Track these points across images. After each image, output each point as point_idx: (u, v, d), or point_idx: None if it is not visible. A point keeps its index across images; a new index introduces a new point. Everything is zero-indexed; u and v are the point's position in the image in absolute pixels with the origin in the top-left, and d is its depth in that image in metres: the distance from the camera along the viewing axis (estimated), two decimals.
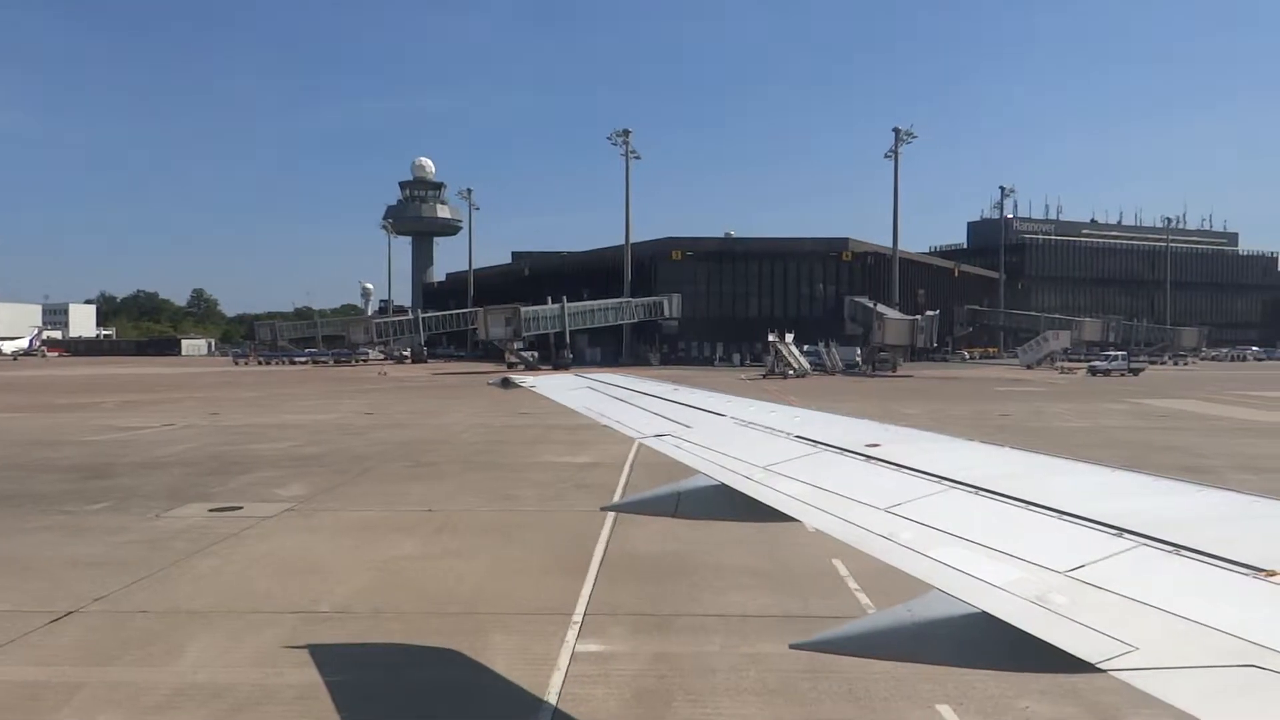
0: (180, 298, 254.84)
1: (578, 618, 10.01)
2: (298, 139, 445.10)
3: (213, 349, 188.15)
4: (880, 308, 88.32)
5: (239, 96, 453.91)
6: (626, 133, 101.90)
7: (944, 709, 7.55)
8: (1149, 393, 53.22)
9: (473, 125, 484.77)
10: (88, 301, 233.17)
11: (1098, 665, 1.95)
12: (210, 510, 16.00)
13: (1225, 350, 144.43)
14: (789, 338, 74.69)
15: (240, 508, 16.20)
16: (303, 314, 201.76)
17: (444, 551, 13.11)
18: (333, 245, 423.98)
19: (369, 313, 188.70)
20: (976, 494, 3.23)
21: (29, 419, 35.34)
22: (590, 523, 14.55)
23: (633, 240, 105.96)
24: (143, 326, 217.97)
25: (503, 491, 17.91)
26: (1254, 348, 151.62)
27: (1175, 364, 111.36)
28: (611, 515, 14.68)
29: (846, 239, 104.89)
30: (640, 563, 12.30)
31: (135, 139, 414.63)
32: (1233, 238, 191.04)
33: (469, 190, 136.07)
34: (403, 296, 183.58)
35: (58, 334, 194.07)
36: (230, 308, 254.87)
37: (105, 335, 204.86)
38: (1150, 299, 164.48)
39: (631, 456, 21.72)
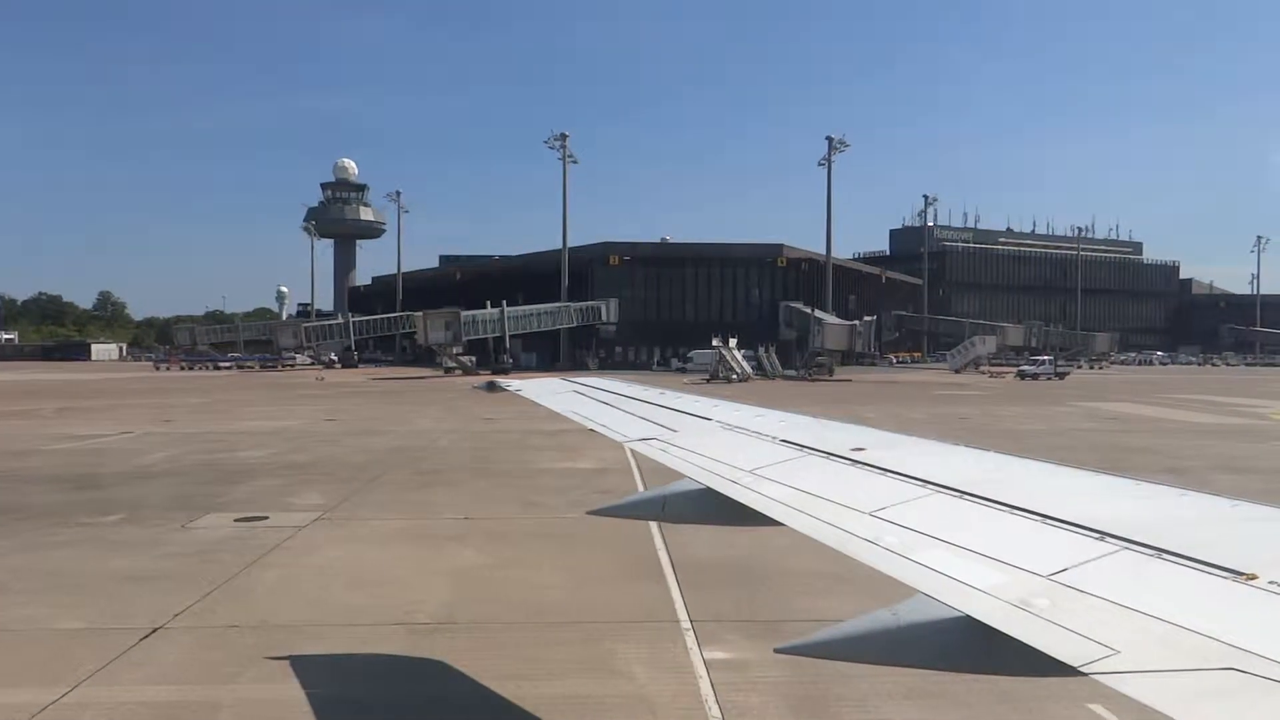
0: (84, 300, 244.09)
1: (686, 625, 9.97)
2: (206, 138, 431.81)
3: (124, 354, 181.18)
4: (818, 313, 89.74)
5: (141, 94, 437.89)
6: (564, 136, 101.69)
7: (1096, 708, 7.73)
8: (1084, 396, 55.15)
9: (393, 127, 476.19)
10: None
11: (1080, 669, 1.98)
12: (236, 520, 15.45)
13: (1133, 355, 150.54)
14: (732, 343, 75.36)
15: (266, 517, 15.67)
16: (214, 317, 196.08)
17: (507, 560, 12.89)
18: (242, 247, 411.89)
19: (284, 316, 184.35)
20: (960, 498, 3.27)
21: None
22: (636, 529, 14.39)
23: (568, 244, 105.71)
24: (46, 330, 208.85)
25: (527, 499, 17.69)
26: (1159, 353, 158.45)
27: (1091, 368, 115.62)
28: (654, 523, 14.61)
29: (781, 245, 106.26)
30: (711, 569, 12.26)
31: (34, 135, 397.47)
32: (1137, 247, 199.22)
33: (398, 192, 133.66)
34: (322, 300, 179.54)
35: None
36: (137, 311, 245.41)
37: (7, 339, 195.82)
38: (1062, 305, 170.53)
39: (633, 461, 21.65)
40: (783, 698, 7.96)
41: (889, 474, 3.73)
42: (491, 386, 9.91)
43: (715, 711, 7.64)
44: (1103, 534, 2.62)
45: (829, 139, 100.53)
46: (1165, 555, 2.40)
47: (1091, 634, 2.07)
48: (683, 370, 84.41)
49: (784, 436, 4.82)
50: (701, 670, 8.55)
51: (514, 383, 9.40)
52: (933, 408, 45.12)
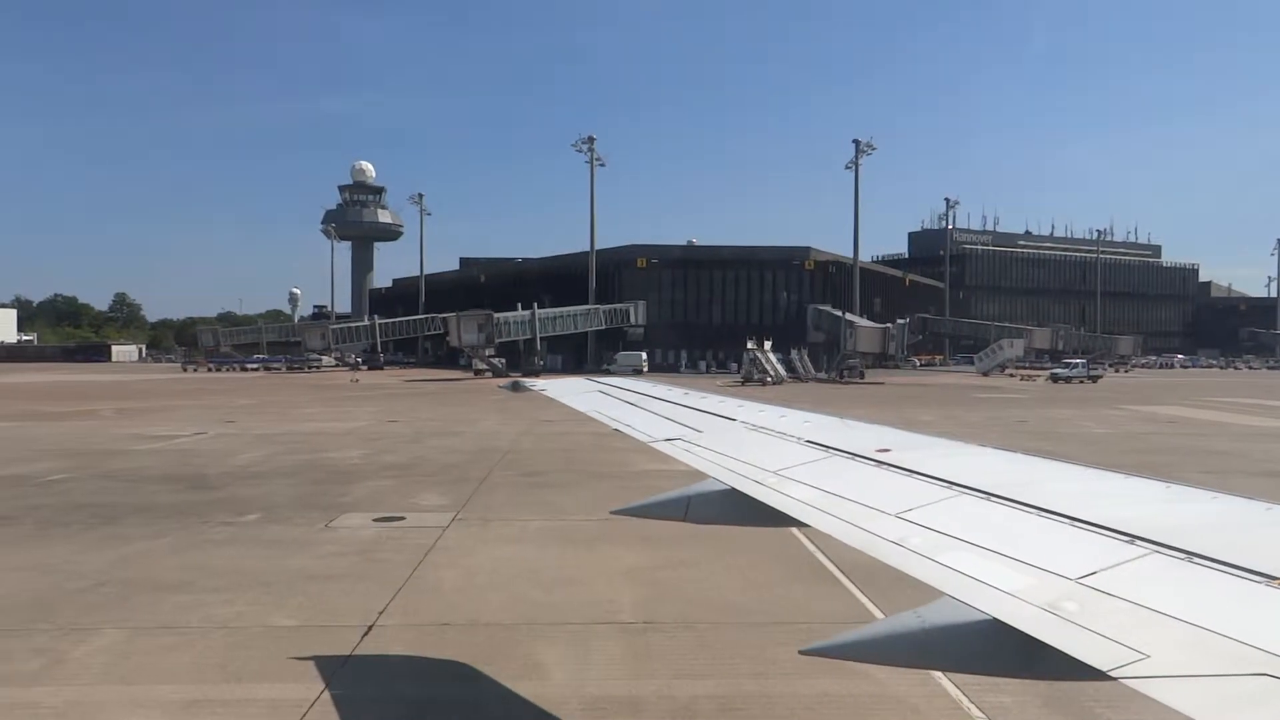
0: (97, 301, 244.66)
1: None
2: (219, 140, 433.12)
3: (143, 355, 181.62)
4: (849, 316, 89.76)
5: (151, 97, 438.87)
6: (591, 139, 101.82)
7: None
8: (1128, 399, 55.02)
9: (406, 129, 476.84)
10: (3, 306, 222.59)
11: (1109, 673, 1.97)
12: (374, 520, 15.59)
13: (1154, 358, 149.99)
14: (767, 345, 75.48)
15: (404, 518, 15.81)
16: (228, 319, 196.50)
17: (668, 561, 12.94)
18: (253, 249, 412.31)
19: (296, 318, 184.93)
20: (987, 500, 3.25)
21: (39, 428, 33.76)
22: (777, 534, 14.43)
23: (592, 247, 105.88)
24: (63, 331, 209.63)
25: None
26: (1180, 355, 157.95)
27: (1116, 371, 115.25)
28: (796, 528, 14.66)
29: (808, 248, 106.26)
30: (878, 570, 12.17)
31: (47, 138, 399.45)
32: (1156, 250, 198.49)
33: (420, 195, 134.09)
34: (338, 303, 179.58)
35: None
36: (150, 312, 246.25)
37: (26, 341, 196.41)
38: (1082, 308, 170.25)
39: None
40: (1033, 696, 8.03)
41: (914, 475, 3.74)
42: (516, 386, 10.10)
43: (976, 712, 7.72)
44: (1132, 537, 2.60)
45: (856, 142, 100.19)
46: (1196, 559, 2.37)
47: (1121, 638, 2.06)
48: (608, 372, 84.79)
49: (808, 437, 4.83)
50: (936, 671, 8.61)
51: (538, 383, 9.54)
52: (985, 411, 45.09)
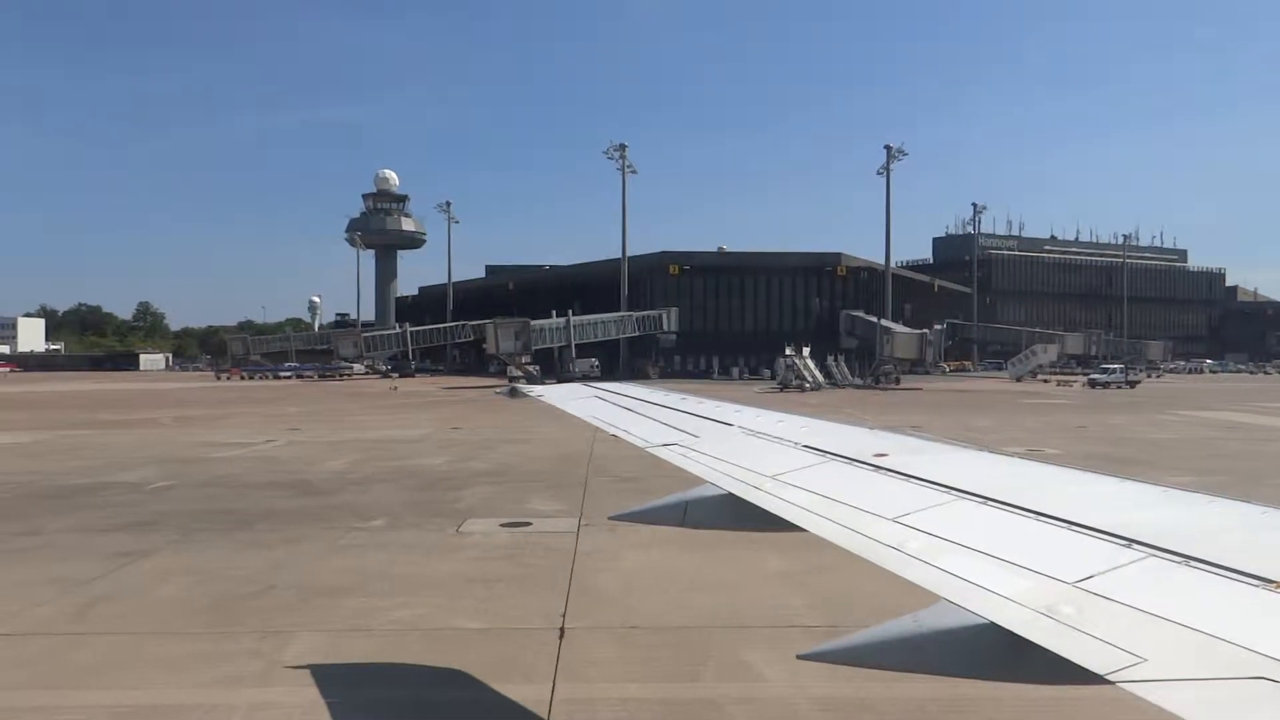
0: (120, 310, 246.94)
1: None
2: (233, 148, 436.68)
3: (170, 364, 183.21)
4: (885, 322, 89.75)
5: (171, 108, 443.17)
6: (623, 147, 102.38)
7: None
8: (1174, 405, 54.77)
9: (423, 138, 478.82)
10: (28, 315, 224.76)
11: (1106, 677, 1.97)
12: (501, 525, 15.78)
13: (1183, 363, 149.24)
14: (805, 351, 75.63)
15: (530, 523, 15.98)
16: (249, 327, 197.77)
17: (813, 566, 12.92)
18: (271, 258, 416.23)
19: (316, 326, 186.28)
20: (984, 504, 3.26)
21: (110, 436, 34.17)
22: None
23: (617, 255, 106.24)
24: (88, 340, 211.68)
25: None
26: (1209, 360, 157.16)
27: (1149, 376, 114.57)
28: None
29: (839, 254, 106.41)
30: None
31: (70, 148, 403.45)
32: (1182, 254, 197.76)
33: (448, 203, 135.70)
34: (363, 311, 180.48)
35: (5, 349, 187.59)
36: (171, 321, 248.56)
37: (54, 350, 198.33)
38: (1108, 313, 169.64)
39: None
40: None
41: (912, 480, 3.75)
42: (514, 393, 10.18)
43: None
44: (1129, 541, 2.60)
45: (887, 148, 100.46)
46: (1193, 563, 2.38)
47: (1118, 642, 2.07)
48: (586, 378, 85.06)
49: (806, 442, 4.83)
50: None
51: (536, 388, 9.56)
52: (1039, 417, 44.97)
